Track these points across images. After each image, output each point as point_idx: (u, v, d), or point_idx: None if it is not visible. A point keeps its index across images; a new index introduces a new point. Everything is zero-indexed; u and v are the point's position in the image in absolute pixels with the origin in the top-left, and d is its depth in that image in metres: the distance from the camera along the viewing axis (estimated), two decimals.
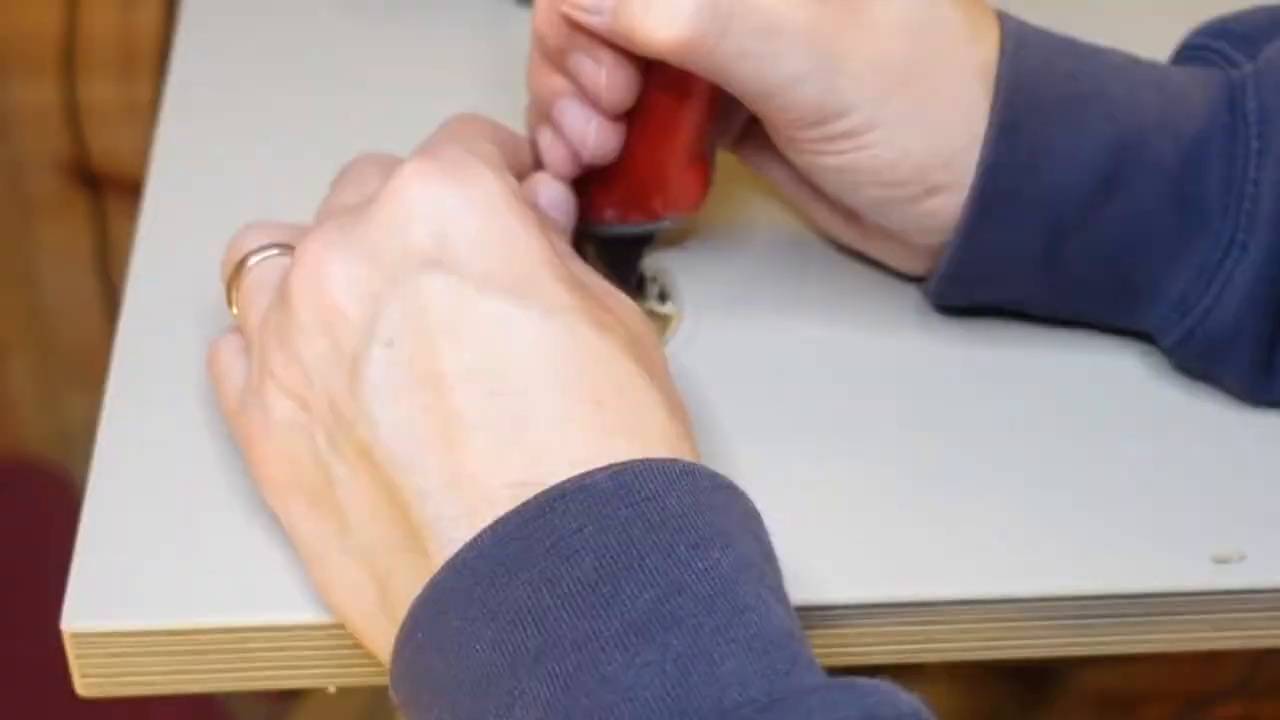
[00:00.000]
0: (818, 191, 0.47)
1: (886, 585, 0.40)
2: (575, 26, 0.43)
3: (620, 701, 0.30)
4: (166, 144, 0.53)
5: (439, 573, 0.33)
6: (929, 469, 0.43)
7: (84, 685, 0.39)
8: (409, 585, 0.34)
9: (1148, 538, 0.42)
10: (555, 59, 0.44)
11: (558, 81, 0.45)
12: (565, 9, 0.42)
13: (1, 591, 1.10)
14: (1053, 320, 0.47)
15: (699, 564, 0.32)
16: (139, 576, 0.39)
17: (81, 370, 1.27)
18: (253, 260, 0.41)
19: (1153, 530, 0.42)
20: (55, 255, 1.19)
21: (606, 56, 0.43)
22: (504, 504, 0.33)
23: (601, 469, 0.33)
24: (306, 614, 0.39)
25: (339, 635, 0.39)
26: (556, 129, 0.45)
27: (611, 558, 0.32)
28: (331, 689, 0.41)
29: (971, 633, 0.41)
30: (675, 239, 0.50)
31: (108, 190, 1.16)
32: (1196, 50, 0.47)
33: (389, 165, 0.41)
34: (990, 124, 0.43)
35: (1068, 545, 0.41)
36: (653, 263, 0.49)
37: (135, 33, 1.08)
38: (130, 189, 1.14)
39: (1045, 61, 0.44)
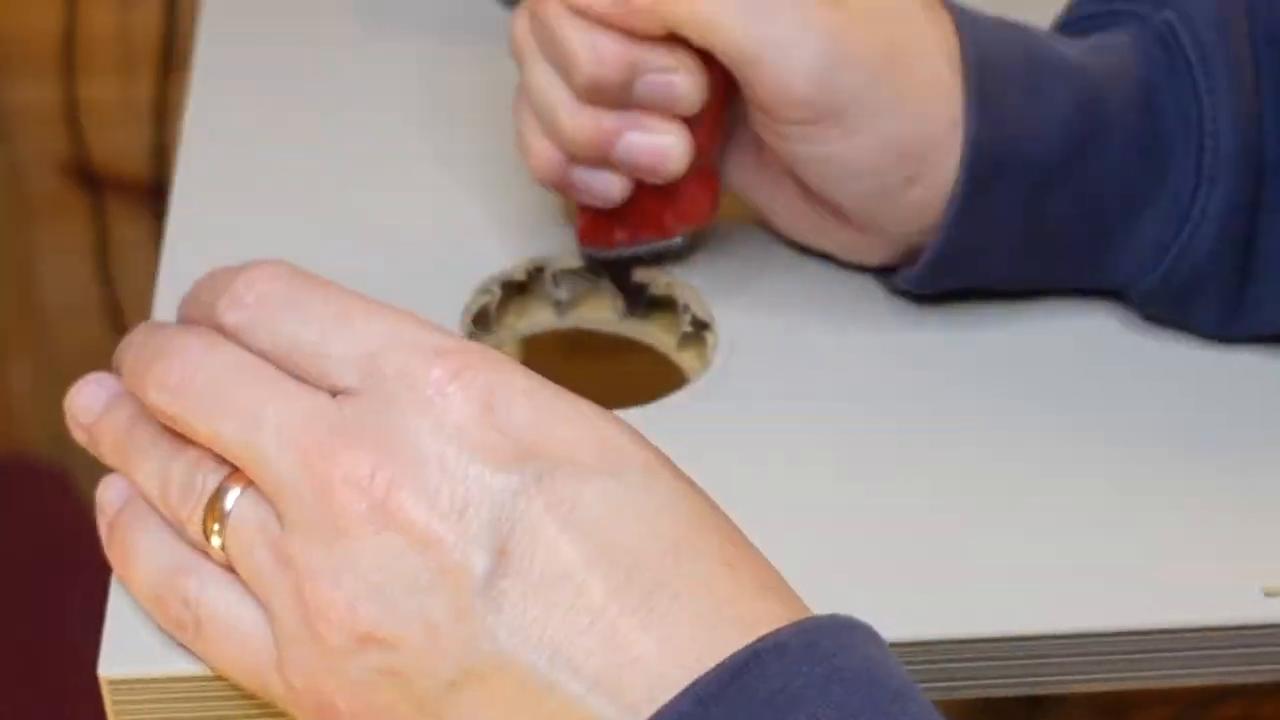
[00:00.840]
0: (790, 190, 0.47)
1: (914, 623, 0.40)
2: (640, 40, 0.43)
3: None
4: (190, 148, 0.53)
5: None
6: (982, 498, 0.43)
7: None
8: None
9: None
10: (613, 96, 0.44)
11: (610, 120, 0.44)
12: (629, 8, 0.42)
13: (1, 591, 1.10)
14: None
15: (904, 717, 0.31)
16: None
17: (81, 370, 1.26)
18: (227, 503, 0.35)
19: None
20: (55, 255, 1.18)
21: (684, 58, 0.43)
22: (680, 681, 0.31)
23: (785, 628, 0.31)
24: None
25: None
26: (623, 164, 0.45)
27: (825, 715, 0.30)
28: None
29: (1001, 669, 0.41)
30: (699, 262, 0.49)
31: (107, 190, 1.15)
32: (1091, 19, 0.48)
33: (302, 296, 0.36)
34: (967, 102, 0.44)
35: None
36: (681, 288, 0.49)
37: (134, 32, 1.07)
38: (130, 189, 1.14)
39: (996, 38, 0.45)
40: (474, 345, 0.35)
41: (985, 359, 0.47)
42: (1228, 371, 0.47)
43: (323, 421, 0.33)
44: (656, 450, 0.35)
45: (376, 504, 0.32)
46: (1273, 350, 0.48)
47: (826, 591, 0.38)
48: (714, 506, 0.34)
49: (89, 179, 1.14)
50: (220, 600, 0.35)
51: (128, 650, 0.38)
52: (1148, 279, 0.46)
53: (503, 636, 0.32)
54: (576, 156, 0.45)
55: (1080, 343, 0.48)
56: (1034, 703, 1.42)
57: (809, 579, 0.40)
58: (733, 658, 0.31)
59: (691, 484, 0.34)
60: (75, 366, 1.19)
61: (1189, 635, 0.41)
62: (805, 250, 0.50)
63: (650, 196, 0.46)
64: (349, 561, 0.32)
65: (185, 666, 0.37)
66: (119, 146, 1.12)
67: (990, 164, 0.44)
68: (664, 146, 0.44)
